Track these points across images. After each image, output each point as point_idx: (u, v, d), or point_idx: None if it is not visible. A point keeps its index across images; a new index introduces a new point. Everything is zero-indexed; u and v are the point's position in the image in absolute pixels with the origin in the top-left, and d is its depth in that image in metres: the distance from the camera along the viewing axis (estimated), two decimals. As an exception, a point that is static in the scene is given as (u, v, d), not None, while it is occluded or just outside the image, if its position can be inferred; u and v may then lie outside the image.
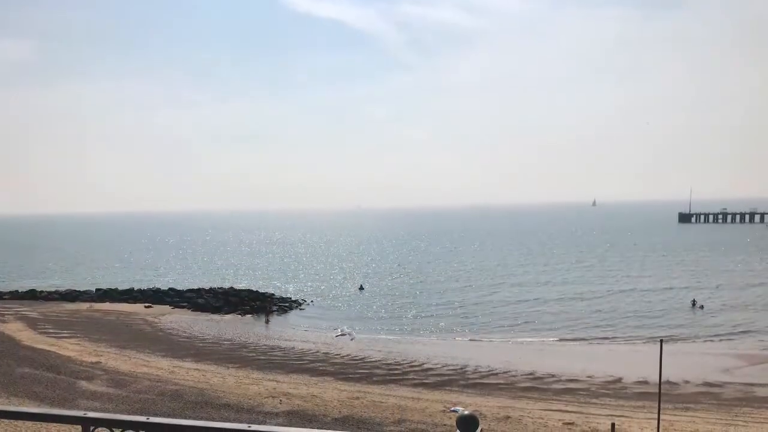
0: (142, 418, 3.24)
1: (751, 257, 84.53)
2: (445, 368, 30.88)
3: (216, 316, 48.33)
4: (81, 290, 59.61)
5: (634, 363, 31.01)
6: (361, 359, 33.15)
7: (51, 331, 38.70)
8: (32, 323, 41.49)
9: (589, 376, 29.05)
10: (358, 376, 28.76)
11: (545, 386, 27.43)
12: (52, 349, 31.83)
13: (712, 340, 38.45)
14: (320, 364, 31.42)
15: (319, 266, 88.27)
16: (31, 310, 48.40)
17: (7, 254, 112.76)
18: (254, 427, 3.10)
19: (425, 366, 31.39)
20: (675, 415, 22.24)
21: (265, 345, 37.23)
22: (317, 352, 35.14)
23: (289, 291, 62.33)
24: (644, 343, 37.85)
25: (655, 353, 18.36)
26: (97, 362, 28.59)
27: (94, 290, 59.38)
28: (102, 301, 54.53)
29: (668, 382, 27.04)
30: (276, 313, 50.48)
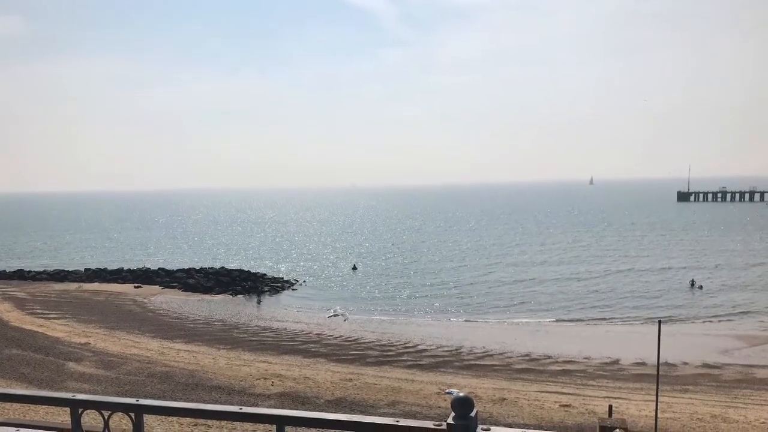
0: (132, 400, 3.13)
1: (750, 236, 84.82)
2: (440, 349, 30.94)
3: (207, 297, 48.25)
4: (69, 270, 59.41)
5: (632, 344, 31.16)
6: (354, 340, 33.18)
7: (39, 311, 38.57)
8: (20, 304, 41.35)
9: (586, 358, 29.16)
10: (351, 357, 28.78)
11: (541, 368, 27.51)
12: (41, 329, 31.72)
13: (711, 321, 38.60)
14: (313, 345, 31.43)
15: (312, 246, 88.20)
16: (19, 290, 48.23)
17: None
18: (245, 409, 2.99)
19: (419, 347, 31.44)
20: (673, 396, 22.33)
21: (256, 326, 37.22)
22: (310, 333, 35.15)
23: (281, 271, 62.29)
24: (642, 324, 37.96)
25: (653, 334, 18.34)
26: (86, 343, 28.50)
27: (82, 270, 59.20)
28: (91, 281, 54.37)
29: (667, 364, 27.14)
30: (268, 293, 50.44)
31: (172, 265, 62.32)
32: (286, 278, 57.13)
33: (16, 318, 35.40)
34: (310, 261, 70.95)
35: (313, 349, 30.14)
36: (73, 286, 51.79)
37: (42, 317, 36.24)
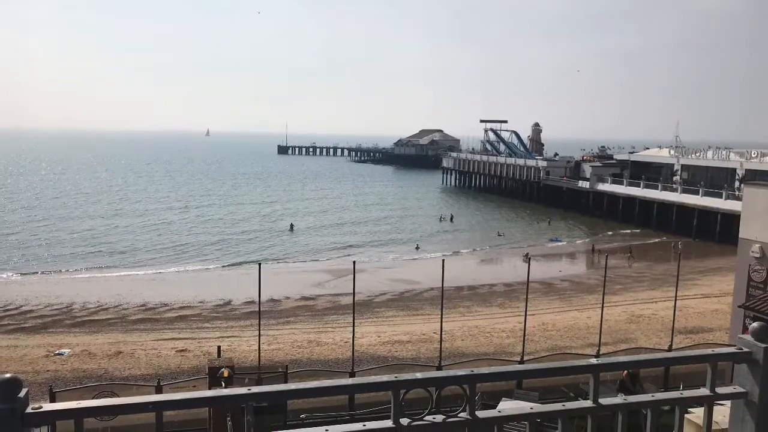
0: None
1: (333, 185, 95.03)
2: (48, 308, 27.38)
3: None
4: None
5: (243, 285, 31.44)
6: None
7: None
8: None
9: (201, 302, 28.89)
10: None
11: (158, 316, 26.43)
12: None
13: (304, 261, 41.72)
14: None
15: None
16: None
17: None
18: None
19: (24, 308, 27.37)
20: (278, 329, 23.61)
21: None
22: None
23: None
24: (252, 266, 38.49)
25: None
26: None
27: None
28: None
29: (272, 300, 28.54)
30: None
31: None
32: None
33: None
34: None
35: None
36: None
37: None
